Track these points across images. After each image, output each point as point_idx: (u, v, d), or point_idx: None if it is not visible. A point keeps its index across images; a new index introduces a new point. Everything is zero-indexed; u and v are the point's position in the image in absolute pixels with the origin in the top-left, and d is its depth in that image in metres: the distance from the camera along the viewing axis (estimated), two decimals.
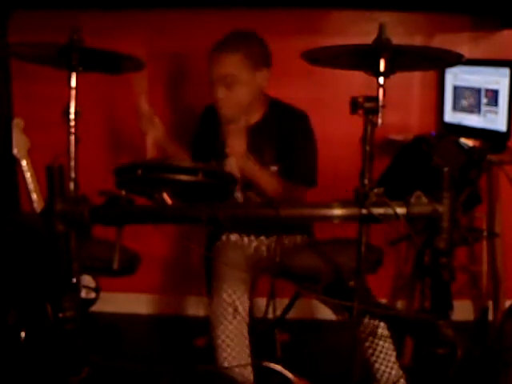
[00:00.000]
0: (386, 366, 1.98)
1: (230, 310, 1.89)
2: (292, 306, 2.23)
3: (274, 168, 2.20)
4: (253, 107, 2.20)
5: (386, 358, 1.98)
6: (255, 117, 2.23)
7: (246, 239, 2.27)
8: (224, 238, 2.27)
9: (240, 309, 1.90)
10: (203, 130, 2.35)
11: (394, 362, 1.99)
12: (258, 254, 2.25)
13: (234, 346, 1.88)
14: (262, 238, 2.26)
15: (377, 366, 1.98)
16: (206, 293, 2.23)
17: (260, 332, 2.03)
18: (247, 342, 1.91)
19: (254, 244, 2.27)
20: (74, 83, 1.54)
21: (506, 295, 2.71)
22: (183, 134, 2.66)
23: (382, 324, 1.97)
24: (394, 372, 1.98)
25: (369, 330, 1.96)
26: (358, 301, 1.53)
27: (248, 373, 1.92)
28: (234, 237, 2.27)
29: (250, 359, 1.92)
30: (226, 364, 1.88)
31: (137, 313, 3.01)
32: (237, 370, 1.89)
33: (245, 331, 1.91)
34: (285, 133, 2.20)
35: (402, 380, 1.99)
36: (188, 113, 2.83)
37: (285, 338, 2.54)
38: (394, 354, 2.00)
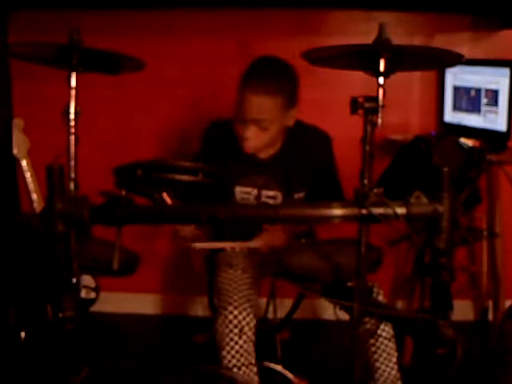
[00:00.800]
0: (387, 366, 1.98)
1: (236, 330, 1.86)
2: (297, 308, 2.22)
3: (299, 195, 2.19)
4: (276, 140, 2.13)
5: (387, 357, 1.98)
6: (276, 147, 2.16)
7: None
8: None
9: (246, 329, 1.87)
10: (209, 149, 2.21)
11: (394, 363, 1.99)
12: (262, 259, 2.24)
13: (240, 366, 1.87)
14: None
15: (377, 364, 1.98)
16: (209, 305, 2.21)
17: (261, 332, 2.02)
18: (254, 360, 1.90)
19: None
20: (73, 83, 1.54)
21: (506, 295, 2.71)
22: (183, 134, 2.66)
23: (387, 324, 1.97)
24: (393, 372, 1.99)
25: (372, 330, 1.96)
26: (358, 301, 1.53)
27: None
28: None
29: (256, 377, 1.91)
30: None
31: (137, 313, 3.01)
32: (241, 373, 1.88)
33: (251, 350, 1.89)
34: (310, 156, 2.16)
35: (398, 382, 2.00)
36: (187, 113, 2.83)
37: (285, 336, 2.54)
38: (396, 354, 2.00)
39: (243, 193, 2.19)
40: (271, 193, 2.20)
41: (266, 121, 2.01)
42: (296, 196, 2.20)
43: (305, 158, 2.16)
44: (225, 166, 2.08)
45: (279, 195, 2.20)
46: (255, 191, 2.19)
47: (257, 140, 2.05)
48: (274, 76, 2.02)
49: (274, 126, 2.04)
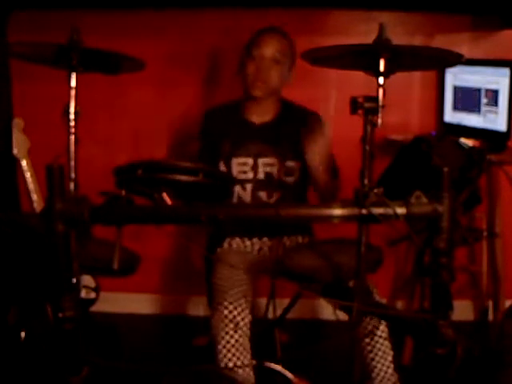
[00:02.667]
0: (383, 365, 1.98)
1: (232, 325, 1.87)
2: (293, 306, 2.23)
3: (291, 164, 2.23)
4: (269, 104, 2.25)
5: (383, 356, 1.98)
6: (269, 115, 2.26)
7: (248, 243, 2.25)
8: (226, 244, 2.25)
9: (241, 324, 1.89)
10: (206, 133, 2.31)
11: (390, 362, 1.99)
12: (260, 257, 2.24)
13: (235, 361, 1.87)
14: (265, 239, 2.26)
15: (373, 363, 1.98)
16: (208, 303, 2.21)
17: (260, 332, 2.02)
18: (249, 355, 1.90)
19: (257, 247, 2.26)
20: (73, 83, 1.54)
21: (506, 295, 2.71)
22: (182, 134, 2.66)
23: (381, 323, 1.97)
24: (389, 371, 1.99)
25: (369, 329, 1.97)
26: (358, 301, 1.53)
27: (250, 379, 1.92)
28: (235, 242, 2.25)
29: (252, 373, 1.91)
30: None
31: (137, 313, 3.01)
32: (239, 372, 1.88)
33: (246, 345, 1.90)
34: (301, 132, 2.20)
35: (395, 381, 2.00)
36: (187, 113, 2.83)
37: (284, 339, 2.54)
38: (392, 353, 2.01)
39: (240, 164, 2.22)
40: (268, 160, 2.23)
41: (279, 54, 2.17)
42: (289, 164, 2.22)
43: (295, 131, 2.20)
44: (221, 142, 2.21)
45: (276, 161, 2.22)
46: (251, 160, 2.22)
47: (269, 77, 2.17)
48: (280, 29, 2.24)
49: (283, 69, 2.18)
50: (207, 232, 2.36)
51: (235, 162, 2.22)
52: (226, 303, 1.90)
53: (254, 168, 2.22)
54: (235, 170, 2.22)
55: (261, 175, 2.22)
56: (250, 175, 2.22)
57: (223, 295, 1.93)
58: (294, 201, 2.24)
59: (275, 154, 2.22)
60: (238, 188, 2.22)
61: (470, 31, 2.76)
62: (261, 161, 2.22)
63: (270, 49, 2.16)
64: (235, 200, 2.22)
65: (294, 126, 2.23)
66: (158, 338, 2.85)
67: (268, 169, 2.22)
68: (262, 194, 2.23)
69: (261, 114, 2.26)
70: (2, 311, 1.97)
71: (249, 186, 2.23)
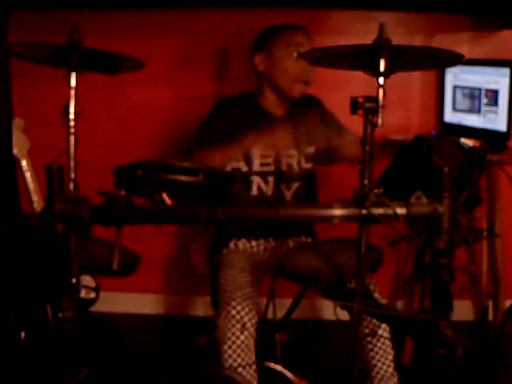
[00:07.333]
0: (383, 364, 1.99)
1: (239, 326, 1.87)
2: (296, 307, 2.22)
3: (309, 150, 2.25)
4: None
5: (384, 355, 1.99)
6: (284, 106, 2.26)
7: (254, 243, 2.24)
8: (232, 245, 2.24)
9: (248, 325, 1.88)
10: (219, 120, 2.21)
11: (391, 361, 2.00)
12: (265, 257, 2.23)
13: (240, 362, 1.87)
14: (270, 240, 2.25)
15: (374, 362, 1.99)
16: (212, 303, 2.21)
17: (261, 332, 2.02)
18: (253, 356, 1.90)
19: (262, 248, 2.25)
20: (73, 83, 1.54)
21: (506, 295, 2.71)
22: (183, 134, 2.66)
23: (383, 322, 1.97)
24: (390, 370, 1.99)
25: (370, 328, 1.97)
26: (358, 301, 1.53)
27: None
28: (241, 244, 2.24)
29: (256, 374, 1.91)
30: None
31: (137, 313, 3.01)
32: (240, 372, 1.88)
33: (252, 347, 1.90)
34: (311, 118, 2.25)
35: (395, 379, 2.00)
36: (187, 113, 2.83)
37: (285, 338, 2.54)
38: (392, 353, 2.01)
39: (262, 156, 2.19)
40: (289, 152, 2.22)
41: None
42: (307, 151, 2.25)
43: (306, 117, 2.25)
44: (240, 133, 2.11)
45: (295, 153, 2.23)
46: (273, 153, 2.20)
47: (310, 79, 2.18)
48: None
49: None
50: (210, 233, 2.35)
51: (257, 154, 2.18)
52: (234, 303, 1.89)
53: (277, 160, 2.20)
54: (257, 162, 2.19)
55: (283, 167, 2.21)
56: (273, 168, 2.20)
57: (231, 295, 1.92)
58: (311, 188, 2.28)
59: (295, 145, 2.22)
60: (258, 180, 2.20)
61: (470, 31, 2.76)
62: (283, 153, 2.21)
63: (306, 48, 2.10)
64: (255, 193, 2.20)
65: (304, 113, 2.25)
66: (158, 338, 2.85)
67: (289, 160, 2.22)
68: (282, 186, 2.22)
69: (278, 106, 2.25)
70: (2, 311, 1.98)
71: (271, 179, 2.21)
